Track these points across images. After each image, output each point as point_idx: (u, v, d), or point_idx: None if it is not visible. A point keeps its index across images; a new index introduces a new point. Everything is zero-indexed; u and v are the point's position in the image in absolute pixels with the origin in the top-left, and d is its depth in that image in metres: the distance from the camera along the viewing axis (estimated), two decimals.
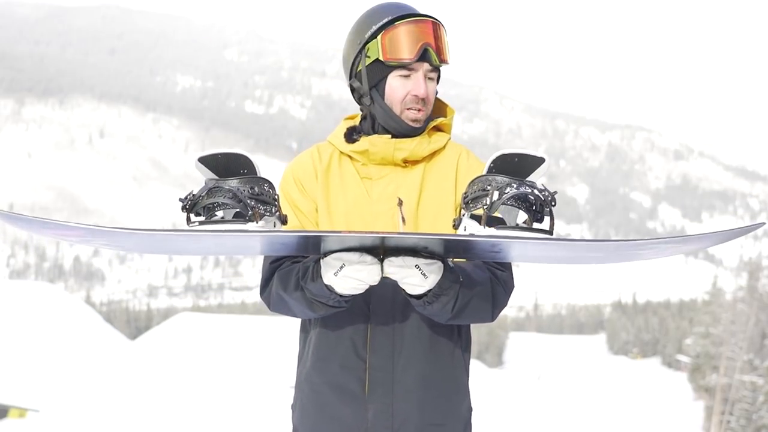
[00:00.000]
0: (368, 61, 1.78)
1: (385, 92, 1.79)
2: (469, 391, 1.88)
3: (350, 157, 1.85)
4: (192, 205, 1.45)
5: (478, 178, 1.49)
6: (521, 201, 1.45)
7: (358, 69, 1.81)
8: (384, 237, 1.40)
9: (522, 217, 1.48)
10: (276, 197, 1.50)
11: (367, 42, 1.78)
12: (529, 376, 57.97)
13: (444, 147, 1.88)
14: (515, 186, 1.43)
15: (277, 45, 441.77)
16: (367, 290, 1.68)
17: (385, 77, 1.78)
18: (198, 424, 22.60)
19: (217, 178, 1.48)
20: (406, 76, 1.77)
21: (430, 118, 1.87)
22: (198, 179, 1.51)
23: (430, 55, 1.75)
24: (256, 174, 1.51)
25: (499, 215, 1.49)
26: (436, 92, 1.85)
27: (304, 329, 1.90)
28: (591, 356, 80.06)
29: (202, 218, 1.46)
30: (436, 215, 1.80)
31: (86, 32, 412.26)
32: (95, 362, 30.78)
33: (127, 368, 31.55)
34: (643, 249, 1.40)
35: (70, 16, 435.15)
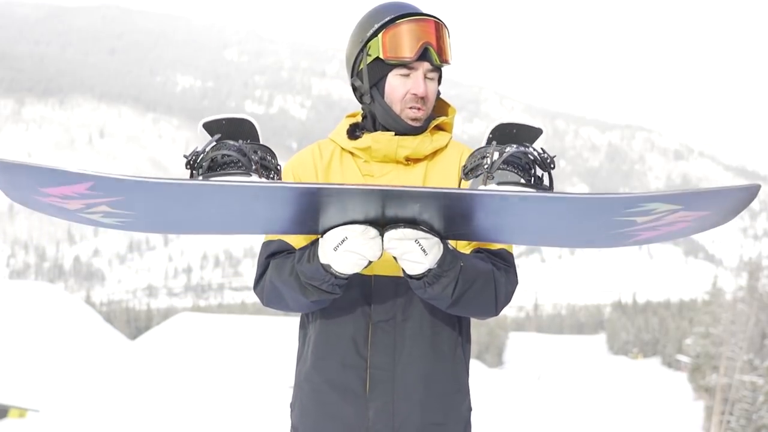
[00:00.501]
0: (369, 60, 1.77)
1: (385, 91, 1.78)
2: (469, 391, 1.86)
3: (352, 154, 1.84)
4: (196, 161, 1.45)
5: (477, 149, 1.49)
6: (520, 168, 1.44)
7: (360, 67, 1.80)
8: (384, 189, 1.39)
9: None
10: (278, 167, 1.50)
11: (368, 40, 1.77)
12: (529, 376, 57.98)
13: (446, 146, 1.87)
14: (515, 146, 1.44)
15: (277, 45, 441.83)
16: (368, 287, 1.68)
17: (386, 76, 1.77)
18: (198, 424, 22.60)
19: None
20: (406, 75, 1.75)
21: (431, 117, 1.86)
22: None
23: (431, 55, 1.73)
24: (259, 141, 1.51)
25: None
26: (439, 92, 1.85)
27: (304, 326, 1.88)
28: (591, 356, 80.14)
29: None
30: None
31: (86, 32, 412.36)
32: (95, 362, 30.79)
33: (127, 368, 31.57)
34: (646, 203, 1.36)
35: (70, 16, 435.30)
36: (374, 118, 1.83)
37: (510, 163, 1.44)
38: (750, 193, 1.36)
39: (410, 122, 1.78)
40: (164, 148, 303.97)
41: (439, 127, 1.88)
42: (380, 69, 1.77)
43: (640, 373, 59.26)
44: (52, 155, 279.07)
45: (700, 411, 33.93)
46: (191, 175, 1.45)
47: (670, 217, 1.40)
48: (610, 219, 1.41)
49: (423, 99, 1.77)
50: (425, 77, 1.76)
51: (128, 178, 1.29)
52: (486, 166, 1.43)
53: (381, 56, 1.75)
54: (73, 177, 1.29)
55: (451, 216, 1.48)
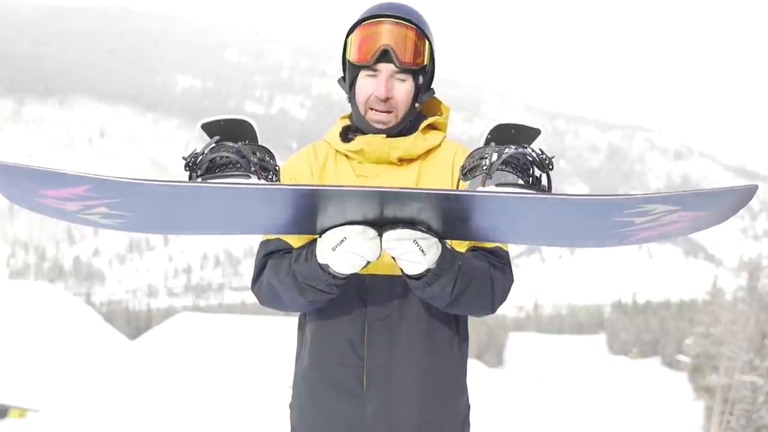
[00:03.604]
0: (347, 61, 1.79)
1: (355, 92, 1.79)
2: (467, 388, 1.86)
3: (346, 155, 1.83)
4: (195, 162, 1.43)
5: (475, 150, 1.48)
6: (519, 169, 1.43)
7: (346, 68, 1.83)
8: (383, 191, 1.38)
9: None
10: (277, 168, 1.48)
11: (346, 42, 1.79)
12: (529, 376, 57.97)
13: (439, 145, 1.85)
14: (513, 147, 1.42)
15: (277, 45, 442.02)
16: (363, 286, 1.66)
17: (356, 76, 1.78)
18: (198, 424, 22.59)
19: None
20: (373, 77, 1.75)
21: (423, 117, 1.86)
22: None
23: (391, 57, 1.71)
24: (258, 142, 1.50)
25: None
26: (433, 91, 1.84)
27: (301, 327, 1.88)
28: (591, 356, 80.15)
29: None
30: None
31: (86, 32, 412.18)
32: (95, 362, 30.78)
33: (127, 368, 31.55)
34: (644, 204, 1.35)
35: (70, 16, 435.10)
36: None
37: (508, 163, 1.42)
38: (748, 193, 1.37)
39: (374, 125, 1.78)
40: (164, 148, 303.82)
41: (432, 126, 1.87)
42: (353, 70, 1.77)
43: (640, 373, 59.29)
44: (52, 155, 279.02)
45: (700, 411, 33.93)
46: (190, 177, 1.44)
47: (668, 217, 1.40)
48: (608, 220, 1.41)
49: (387, 102, 1.75)
50: (390, 78, 1.74)
51: (127, 180, 1.29)
52: (484, 167, 1.42)
53: (349, 59, 1.76)
54: (72, 179, 1.29)
55: (449, 216, 1.47)
